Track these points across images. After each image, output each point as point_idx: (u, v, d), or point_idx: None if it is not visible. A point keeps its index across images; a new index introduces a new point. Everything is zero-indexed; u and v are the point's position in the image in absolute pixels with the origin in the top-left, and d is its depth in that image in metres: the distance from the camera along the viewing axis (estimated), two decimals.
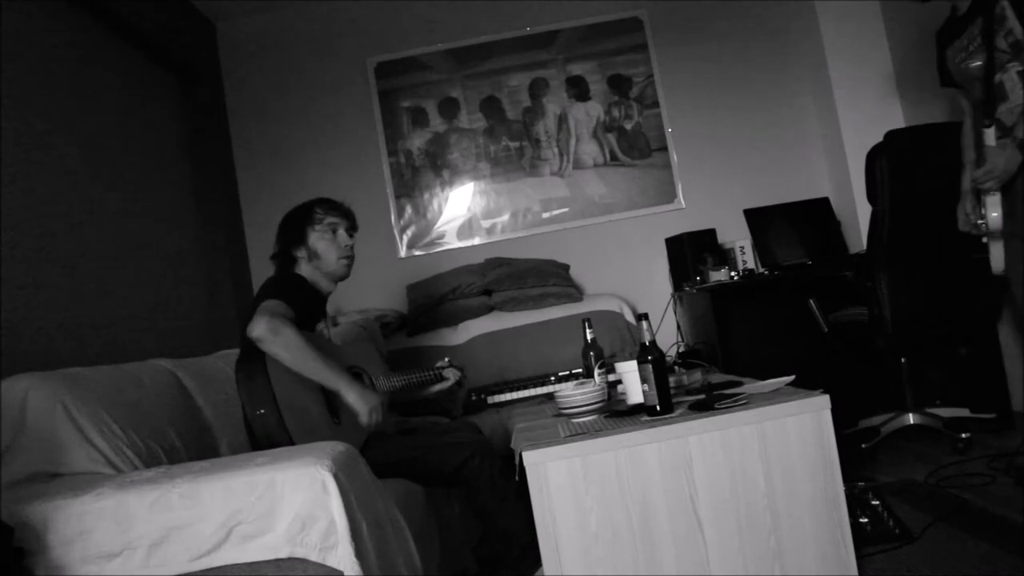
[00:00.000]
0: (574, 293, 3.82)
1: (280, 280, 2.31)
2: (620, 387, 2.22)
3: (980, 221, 2.47)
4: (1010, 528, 2.15)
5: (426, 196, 4.26)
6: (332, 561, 1.53)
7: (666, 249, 4.12)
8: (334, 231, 2.38)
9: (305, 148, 4.24)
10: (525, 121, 4.27)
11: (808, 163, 4.26)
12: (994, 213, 2.41)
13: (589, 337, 2.49)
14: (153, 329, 3.09)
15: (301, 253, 2.36)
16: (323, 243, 2.36)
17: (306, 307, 2.24)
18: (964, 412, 3.14)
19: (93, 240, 2.79)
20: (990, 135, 2.39)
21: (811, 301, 3.25)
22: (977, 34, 2.43)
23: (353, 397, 2.12)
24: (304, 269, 2.37)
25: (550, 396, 2.84)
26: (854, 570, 1.81)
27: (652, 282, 4.20)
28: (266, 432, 2.01)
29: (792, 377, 2.07)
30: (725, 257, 3.88)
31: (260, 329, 2.02)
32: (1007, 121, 2.37)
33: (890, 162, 2.89)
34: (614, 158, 4.26)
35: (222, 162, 4.10)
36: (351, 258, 2.41)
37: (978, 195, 2.47)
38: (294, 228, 2.37)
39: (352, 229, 2.44)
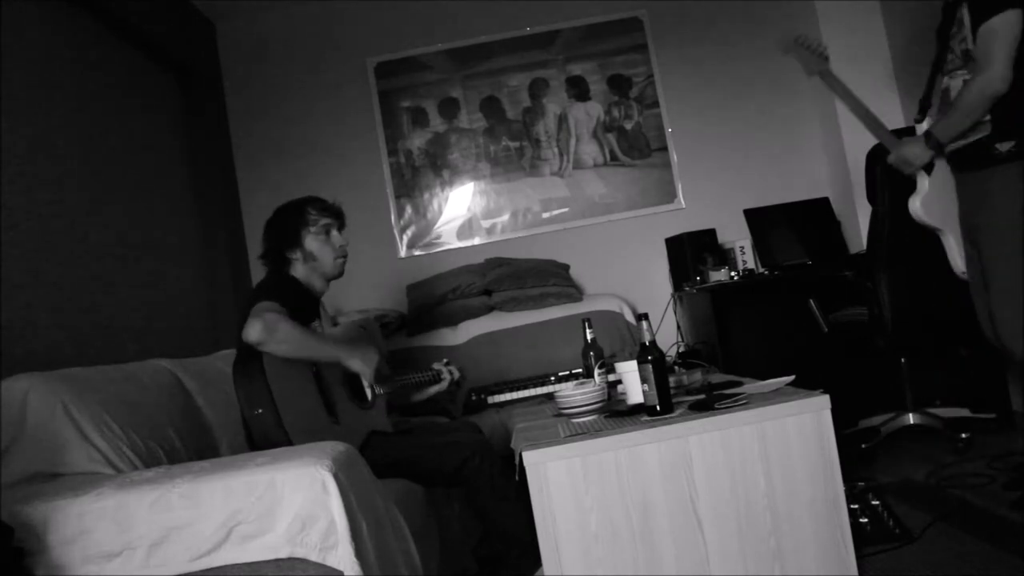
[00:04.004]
0: (574, 293, 3.82)
1: (272, 282, 2.31)
2: (620, 387, 2.22)
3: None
4: (1010, 528, 2.15)
5: (426, 196, 4.26)
6: (332, 561, 1.53)
7: (666, 249, 4.12)
8: (328, 232, 2.38)
9: (305, 148, 4.24)
10: (525, 121, 4.27)
11: (808, 163, 4.25)
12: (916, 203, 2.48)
13: (589, 337, 2.49)
14: (153, 329, 3.09)
15: (296, 255, 2.36)
16: (318, 244, 2.36)
17: (299, 307, 2.24)
18: (964, 412, 3.14)
19: (93, 240, 2.79)
20: (921, 130, 2.44)
21: (811, 301, 3.24)
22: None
23: (358, 365, 2.21)
24: (299, 270, 2.37)
25: (550, 396, 2.84)
26: (854, 570, 1.81)
27: (652, 282, 4.19)
28: (264, 432, 2.01)
29: (792, 377, 2.07)
30: (725, 257, 3.88)
31: (256, 332, 2.02)
32: None
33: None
34: (614, 158, 4.26)
35: (222, 162, 4.10)
36: (345, 256, 2.43)
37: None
38: (287, 229, 2.36)
39: (342, 227, 2.44)
